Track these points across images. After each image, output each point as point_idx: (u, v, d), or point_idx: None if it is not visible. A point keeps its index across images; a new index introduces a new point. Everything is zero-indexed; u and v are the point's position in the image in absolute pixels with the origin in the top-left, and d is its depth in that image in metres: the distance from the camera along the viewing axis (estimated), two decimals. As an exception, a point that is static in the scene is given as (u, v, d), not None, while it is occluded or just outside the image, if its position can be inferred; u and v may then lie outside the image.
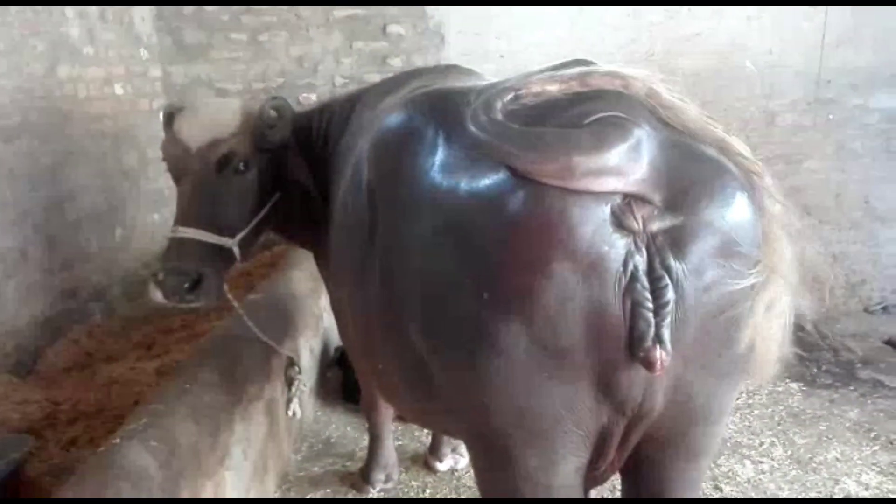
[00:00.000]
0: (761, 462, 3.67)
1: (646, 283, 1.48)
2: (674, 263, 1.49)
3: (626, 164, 1.46)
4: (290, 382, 3.54)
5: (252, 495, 3.11)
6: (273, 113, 2.86)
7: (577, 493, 1.69)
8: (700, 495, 1.93)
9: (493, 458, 1.73)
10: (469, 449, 1.92)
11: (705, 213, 1.50)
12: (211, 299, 2.78)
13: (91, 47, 4.64)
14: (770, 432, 3.95)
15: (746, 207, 1.54)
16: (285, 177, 2.93)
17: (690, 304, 1.51)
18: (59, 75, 4.29)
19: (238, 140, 2.83)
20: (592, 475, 1.77)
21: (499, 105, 1.59)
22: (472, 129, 1.60)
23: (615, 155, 1.45)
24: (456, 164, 1.72)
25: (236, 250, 2.79)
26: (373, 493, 3.48)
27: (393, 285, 1.91)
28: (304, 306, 4.14)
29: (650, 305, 1.48)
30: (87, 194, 4.52)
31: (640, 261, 1.48)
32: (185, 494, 2.43)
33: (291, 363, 3.54)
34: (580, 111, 1.54)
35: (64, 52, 4.34)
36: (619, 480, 1.98)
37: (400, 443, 3.86)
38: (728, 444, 3.82)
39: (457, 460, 3.62)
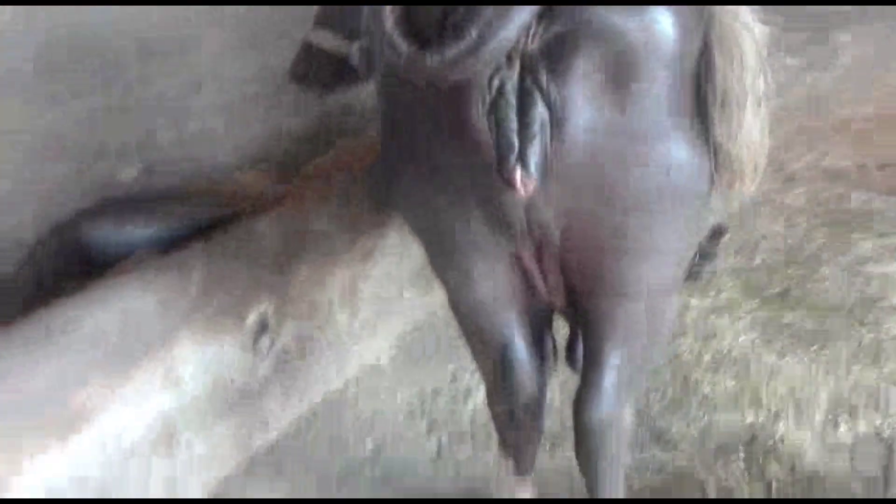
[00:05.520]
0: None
1: (512, 101, 1.30)
2: (546, 75, 1.28)
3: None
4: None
5: None
6: None
7: (506, 311, 1.66)
8: (637, 347, 1.76)
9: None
10: None
11: (596, 17, 1.25)
12: None
13: None
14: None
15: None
16: None
17: (574, 126, 1.31)
18: None
19: None
20: (535, 306, 1.69)
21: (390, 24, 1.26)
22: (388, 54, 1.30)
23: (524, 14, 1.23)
24: None
25: None
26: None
27: None
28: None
29: (514, 125, 1.31)
30: None
31: (510, 75, 1.29)
32: None
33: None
34: None
35: None
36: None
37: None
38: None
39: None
